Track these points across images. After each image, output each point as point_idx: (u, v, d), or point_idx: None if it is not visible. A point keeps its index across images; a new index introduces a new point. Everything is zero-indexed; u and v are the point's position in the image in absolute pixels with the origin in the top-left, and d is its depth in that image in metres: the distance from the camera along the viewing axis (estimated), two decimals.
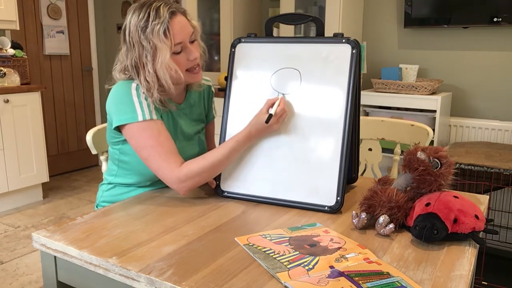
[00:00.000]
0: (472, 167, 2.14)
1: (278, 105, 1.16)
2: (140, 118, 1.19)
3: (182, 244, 0.94)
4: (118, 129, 1.24)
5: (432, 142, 2.55)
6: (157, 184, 1.33)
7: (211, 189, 1.30)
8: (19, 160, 3.32)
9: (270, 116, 1.15)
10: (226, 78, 1.29)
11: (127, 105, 1.20)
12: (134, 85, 1.22)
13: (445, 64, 2.94)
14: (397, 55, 3.09)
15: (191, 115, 1.39)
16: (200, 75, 1.29)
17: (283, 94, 1.21)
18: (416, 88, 2.65)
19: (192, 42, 1.24)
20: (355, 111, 1.23)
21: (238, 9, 3.38)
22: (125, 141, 1.28)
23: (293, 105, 1.20)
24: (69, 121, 4.42)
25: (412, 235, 0.97)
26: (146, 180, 1.31)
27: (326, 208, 1.13)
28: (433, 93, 2.69)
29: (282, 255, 0.88)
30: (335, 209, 1.13)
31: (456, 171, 1.08)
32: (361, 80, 2.73)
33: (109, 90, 1.27)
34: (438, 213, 0.94)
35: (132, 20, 1.19)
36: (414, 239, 0.97)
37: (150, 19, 1.16)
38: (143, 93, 1.22)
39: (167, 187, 1.34)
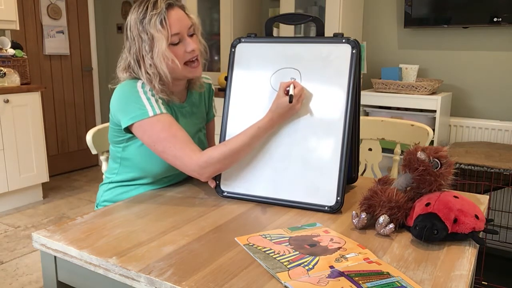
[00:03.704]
0: (472, 167, 2.14)
1: (294, 86, 1.16)
2: (151, 113, 1.19)
3: (182, 244, 0.94)
4: (127, 128, 1.24)
5: (432, 142, 2.55)
6: (157, 183, 1.34)
7: (211, 189, 1.30)
8: (19, 160, 3.32)
9: (291, 96, 1.14)
10: (226, 78, 1.29)
11: (136, 103, 1.20)
12: (139, 83, 1.24)
13: (445, 64, 2.94)
14: (397, 55, 3.09)
15: (193, 114, 1.40)
16: (199, 70, 1.29)
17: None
18: (416, 88, 2.65)
19: (191, 36, 1.26)
20: (355, 111, 1.23)
21: (238, 9, 3.38)
22: (129, 139, 1.28)
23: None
24: (69, 121, 4.42)
25: (412, 235, 0.97)
26: (148, 176, 1.31)
27: (326, 208, 1.13)
28: (433, 93, 2.69)
29: (282, 255, 0.88)
30: (335, 209, 1.13)
31: (456, 171, 1.08)
32: (361, 80, 2.73)
33: (112, 89, 1.28)
34: (438, 213, 0.94)
35: (132, 16, 1.24)
36: (414, 239, 0.97)
37: (148, 11, 1.20)
38: (149, 90, 1.23)
39: (167, 186, 1.34)
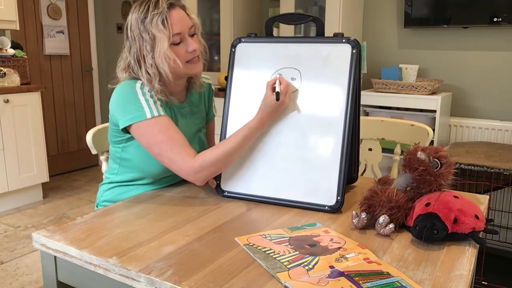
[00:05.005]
0: (472, 167, 2.14)
1: (280, 83, 1.17)
2: (149, 115, 1.19)
3: (182, 244, 0.94)
4: (125, 128, 1.24)
5: (432, 142, 2.55)
6: (157, 183, 1.34)
7: (211, 189, 1.30)
8: (19, 160, 3.32)
9: (278, 93, 1.15)
10: (226, 78, 1.29)
11: (134, 104, 1.20)
12: (138, 84, 1.24)
13: (445, 64, 2.94)
14: (397, 55, 3.09)
15: (192, 114, 1.40)
16: (199, 66, 1.29)
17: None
18: (416, 88, 2.65)
19: (192, 36, 1.26)
20: (355, 111, 1.23)
21: (238, 9, 3.38)
22: (128, 139, 1.28)
23: (293, 104, 1.21)
24: (69, 121, 4.42)
25: (412, 235, 0.97)
26: (148, 176, 1.31)
27: (326, 207, 1.13)
28: (433, 93, 2.69)
29: (282, 255, 0.88)
30: (335, 209, 1.13)
31: (456, 171, 1.08)
32: (361, 80, 2.73)
33: (112, 89, 1.28)
34: (438, 213, 0.94)
35: (133, 15, 1.23)
36: (414, 239, 0.97)
37: (150, 11, 1.20)
38: (148, 91, 1.23)
39: (167, 186, 1.34)
